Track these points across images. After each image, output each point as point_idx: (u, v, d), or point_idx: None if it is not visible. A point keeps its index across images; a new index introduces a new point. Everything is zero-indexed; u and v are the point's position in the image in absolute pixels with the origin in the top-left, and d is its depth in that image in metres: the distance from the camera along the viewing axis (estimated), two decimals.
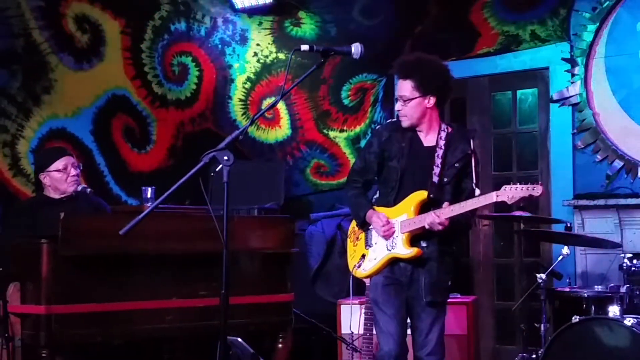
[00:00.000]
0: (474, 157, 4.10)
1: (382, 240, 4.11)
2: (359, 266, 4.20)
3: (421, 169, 4.07)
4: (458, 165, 4.06)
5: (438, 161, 4.05)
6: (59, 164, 4.84)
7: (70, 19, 6.44)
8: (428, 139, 4.12)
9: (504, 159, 6.81)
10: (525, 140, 6.78)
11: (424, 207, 4.03)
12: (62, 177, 4.83)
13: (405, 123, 4.09)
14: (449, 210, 3.92)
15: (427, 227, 3.95)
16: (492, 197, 3.87)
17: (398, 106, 4.08)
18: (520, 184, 3.83)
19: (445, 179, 4.05)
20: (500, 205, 4.09)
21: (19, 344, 4.19)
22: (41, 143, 6.20)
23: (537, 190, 3.80)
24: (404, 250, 4.04)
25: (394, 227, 4.06)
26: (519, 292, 6.11)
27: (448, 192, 4.04)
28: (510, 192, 3.83)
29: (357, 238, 4.28)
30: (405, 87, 4.03)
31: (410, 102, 4.03)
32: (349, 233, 4.41)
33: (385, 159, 4.14)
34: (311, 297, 6.29)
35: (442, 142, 4.08)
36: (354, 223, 4.36)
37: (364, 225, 4.20)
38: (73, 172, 4.87)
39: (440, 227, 3.92)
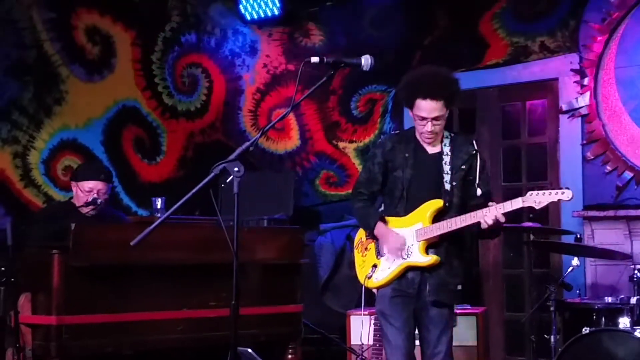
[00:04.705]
0: (479, 157, 4.11)
1: None
2: (371, 276, 4.19)
3: (429, 177, 4.07)
4: (464, 167, 4.07)
5: (446, 168, 4.06)
6: (87, 184, 4.87)
7: (81, 30, 6.50)
8: (432, 147, 4.12)
9: (514, 170, 6.79)
10: (534, 151, 6.76)
11: (438, 215, 4.03)
12: (82, 197, 4.86)
13: (430, 141, 4.07)
14: (470, 217, 3.92)
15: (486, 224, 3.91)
16: (518, 202, 3.86)
17: (429, 127, 3.99)
18: (548, 189, 3.82)
19: (454, 183, 4.06)
20: (509, 216, 4.07)
21: (30, 354, 4.21)
22: (52, 154, 6.25)
23: (567, 194, 3.78)
24: (421, 258, 4.04)
25: (405, 248, 4.06)
26: (528, 303, 6.09)
27: (457, 196, 4.05)
28: (538, 197, 3.81)
29: (366, 248, 4.27)
30: (437, 108, 3.96)
31: (440, 120, 4.01)
32: (355, 244, 4.39)
33: (390, 170, 4.14)
34: (321, 308, 6.30)
35: (447, 149, 4.09)
36: (360, 233, 4.35)
37: (374, 235, 4.20)
38: (95, 196, 4.86)
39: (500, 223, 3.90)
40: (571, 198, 3.80)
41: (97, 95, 6.59)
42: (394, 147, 4.14)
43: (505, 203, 3.91)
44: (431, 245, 4.06)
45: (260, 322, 4.74)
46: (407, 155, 4.09)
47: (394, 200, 4.13)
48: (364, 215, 4.22)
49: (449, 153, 4.07)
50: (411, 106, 4.03)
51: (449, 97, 3.99)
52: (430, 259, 4.03)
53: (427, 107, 3.96)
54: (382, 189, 4.20)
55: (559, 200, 3.81)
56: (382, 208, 4.27)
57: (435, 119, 3.98)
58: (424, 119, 3.99)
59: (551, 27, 6.43)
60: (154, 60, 6.96)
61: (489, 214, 3.90)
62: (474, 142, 4.15)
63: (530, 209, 3.88)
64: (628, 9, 6.08)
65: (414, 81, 4.05)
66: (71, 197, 4.99)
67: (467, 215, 3.94)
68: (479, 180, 4.08)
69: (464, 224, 3.94)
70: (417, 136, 4.12)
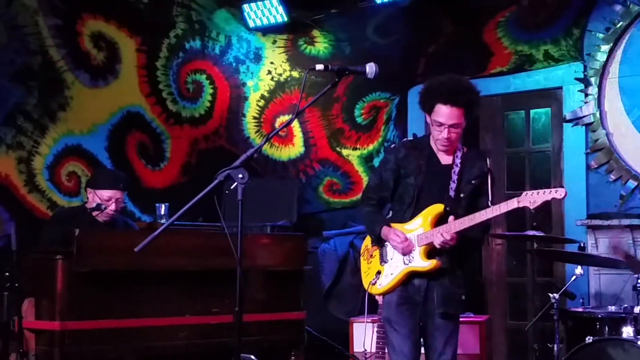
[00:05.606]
0: (490, 175, 4.13)
1: (399, 255, 4.11)
2: (375, 283, 4.19)
3: (438, 186, 4.08)
4: (475, 182, 4.08)
5: (454, 177, 4.07)
6: (106, 193, 4.89)
7: (86, 37, 6.50)
8: (446, 157, 4.13)
9: (517, 178, 6.80)
10: (538, 159, 6.77)
11: (440, 221, 4.04)
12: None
13: (446, 148, 4.08)
14: (468, 220, 3.92)
15: (437, 245, 3.97)
16: (514, 203, 3.87)
17: (445, 134, 3.99)
18: (542, 189, 3.83)
19: (462, 195, 4.06)
20: (514, 224, 4.08)
21: None
22: (56, 159, 6.25)
23: (560, 192, 3.78)
24: (422, 263, 4.05)
25: (412, 244, 4.06)
26: (531, 311, 6.09)
27: (463, 207, 4.06)
28: (532, 197, 3.82)
29: (371, 255, 4.28)
30: (456, 114, 3.97)
31: (458, 129, 4.02)
32: (361, 251, 4.40)
33: (402, 176, 4.15)
34: (323, 315, 6.29)
35: (458, 160, 4.10)
36: (366, 241, 4.36)
37: (379, 241, 4.19)
38: (113, 207, 4.88)
39: (449, 244, 3.93)
40: (564, 196, 3.80)
41: (102, 101, 6.59)
42: (408, 153, 4.15)
43: (500, 204, 3.92)
44: (433, 252, 4.06)
45: (264, 328, 4.74)
46: (421, 162, 4.10)
47: (403, 206, 4.14)
48: (370, 220, 4.23)
49: (459, 165, 4.09)
50: (430, 111, 4.03)
51: (469, 105, 4.00)
52: (431, 263, 4.04)
53: (447, 113, 3.97)
54: (391, 195, 4.21)
55: (552, 199, 3.81)
56: (390, 215, 4.27)
57: (453, 126, 3.99)
58: (441, 124, 4.00)
59: (555, 35, 6.44)
60: (159, 67, 6.97)
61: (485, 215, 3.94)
62: (487, 159, 4.17)
63: (534, 214, 3.89)
64: (632, 18, 6.10)
65: (437, 86, 4.05)
66: (85, 202, 5.01)
67: (467, 217, 3.95)
68: (492, 197, 4.09)
69: (462, 227, 3.94)
70: (432, 144, 4.14)
